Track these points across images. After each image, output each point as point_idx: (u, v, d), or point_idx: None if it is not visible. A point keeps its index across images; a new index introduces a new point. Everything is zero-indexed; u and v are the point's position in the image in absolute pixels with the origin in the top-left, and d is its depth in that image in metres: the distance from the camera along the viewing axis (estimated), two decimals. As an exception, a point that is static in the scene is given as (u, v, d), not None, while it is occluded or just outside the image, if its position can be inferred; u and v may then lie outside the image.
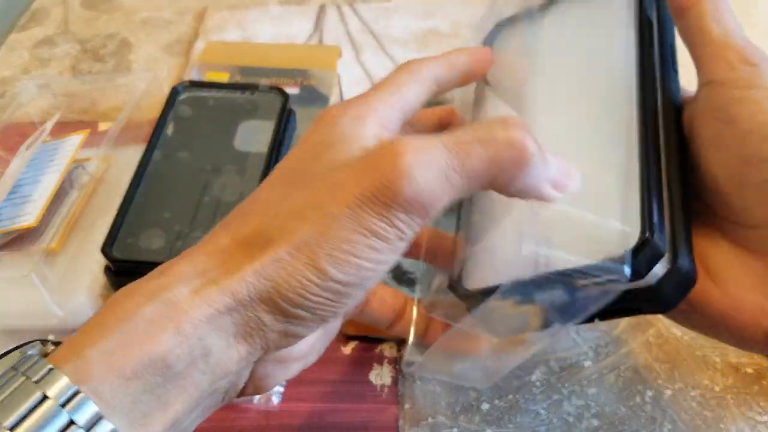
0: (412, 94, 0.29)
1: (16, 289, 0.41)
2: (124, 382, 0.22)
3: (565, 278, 0.25)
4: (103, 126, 0.54)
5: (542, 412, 0.38)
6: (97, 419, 0.21)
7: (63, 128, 0.50)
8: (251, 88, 0.48)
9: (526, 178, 0.24)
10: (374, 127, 0.26)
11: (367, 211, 0.23)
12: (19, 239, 0.43)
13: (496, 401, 0.39)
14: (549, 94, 0.32)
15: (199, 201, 0.42)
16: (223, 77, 0.53)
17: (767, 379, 0.39)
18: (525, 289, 0.26)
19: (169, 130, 0.46)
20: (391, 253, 0.24)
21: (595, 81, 0.31)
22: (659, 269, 0.25)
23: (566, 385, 0.39)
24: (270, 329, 0.24)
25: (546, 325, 0.27)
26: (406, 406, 0.39)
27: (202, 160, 0.44)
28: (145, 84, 0.53)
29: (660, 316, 0.41)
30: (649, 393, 0.39)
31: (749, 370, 0.40)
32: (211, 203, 0.42)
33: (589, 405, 0.38)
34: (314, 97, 0.52)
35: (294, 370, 0.29)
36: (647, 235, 0.25)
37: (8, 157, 0.50)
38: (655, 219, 0.25)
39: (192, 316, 0.23)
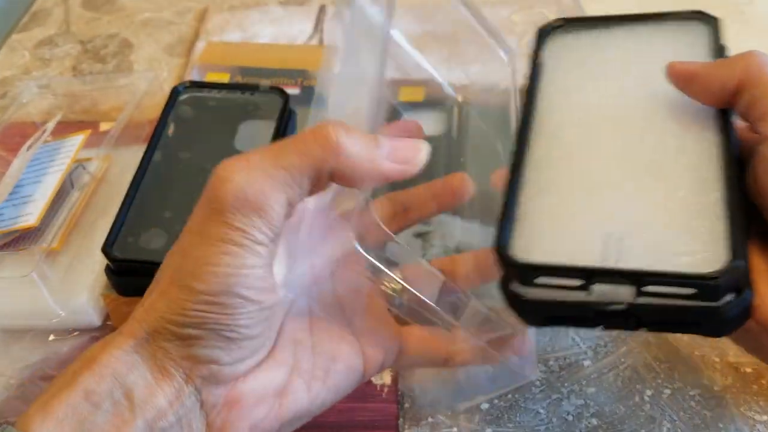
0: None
1: (17, 288, 0.41)
2: (59, 424, 0.24)
3: (635, 278, 0.25)
4: (104, 126, 0.54)
5: (542, 411, 0.38)
6: None
7: (64, 128, 0.50)
8: (252, 88, 0.48)
9: (347, 160, 0.26)
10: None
11: (208, 226, 0.25)
12: (20, 239, 0.43)
13: (496, 400, 0.39)
14: (632, 115, 0.32)
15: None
16: (224, 77, 0.53)
17: (766, 379, 0.39)
18: (587, 276, 0.25)
19: (170, 130, 0.46)
20: (250, 255, 0.25)
21: (672, 108, 0.31)
22: (730, 295, 0.25)
23: (566, 384, 0.39)
24: (177, 356, 0.25)
25: (587, 322, 0.27)
26: (406, 405, 0.39)
27: (203, 160, 0.44)
28: (145, 84, 0.53)
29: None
30: (648, 392, 0.39)
31: (748, 370, 0.40)
32: (211, 203, 0.42)
33: (589, 404, 0.38)
34: (314, 97, 0.52)
35: (260, 417, 0.27)
36: (735, 260, 0.25)
37: (9, 157, 0.50)
38: (741, 247, 0.25)
39: (104, 360, 0.25)
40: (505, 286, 0.27)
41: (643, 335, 0.42)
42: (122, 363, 0.25)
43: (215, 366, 0.26)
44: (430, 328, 0.31)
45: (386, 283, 0.28)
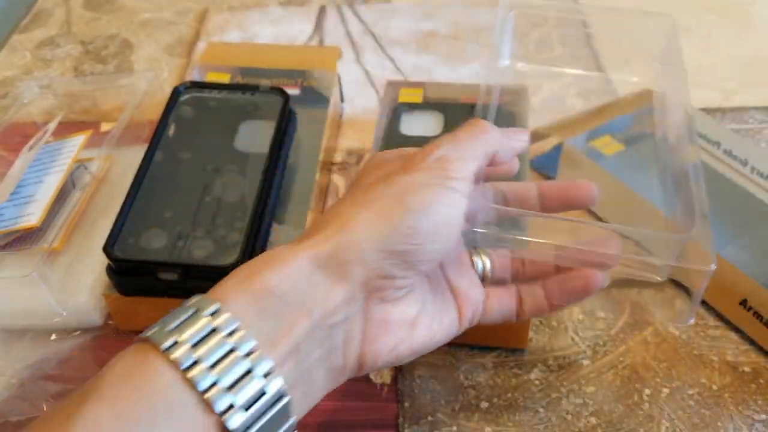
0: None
1: (18, 288, 0.41)
2: (251, 302, 0.27)
3: None
4: (105, 126, 0.54)
5: (541, 410, 0.38)
6: (234, 327, 0.26)
7: (65, 129, 0.50)
8: (252, 88, 0.49)
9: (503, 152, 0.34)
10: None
11: (428, 173, 0.30)
12: (22, 239, 0.43)
13: (495, 399, 0.39)
14: None
15: (200, 201, 0.42)
16: (224, 78, 0.54)
17: (764, 378, 0.39)
18: None
19: (171, 130, 0.46)
20: (463, 200, 0.30)
21: None
22: None
23: (565, 383, 0.39)
24: (362, 265, 0.28)
25: None
26: (406, 404, 0.39)
27: (203, 160, 0.44)
28: (146, 85, 0.53)
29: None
30: (647, 391, 0.39)
31: (746, 369, 0.40)
32: (212, 203, 0.42)
33: (588, 403, 0.38)
34: (314, 97, 0.53)
35: (399, 339, 0.31)
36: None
37: (10, 157, 0.50)
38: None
39: (292, 256, 0.28)
40: None
41: (640, 335, 0.42)
42: (314, 266, 0.28)
43: (389, 283, 0.29)
44: (505, 288, 0.35)
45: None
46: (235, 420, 0.25)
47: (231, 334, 0.26)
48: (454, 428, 0.38)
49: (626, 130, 0.50)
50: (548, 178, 0.52)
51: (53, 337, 0.43)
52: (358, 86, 0.60)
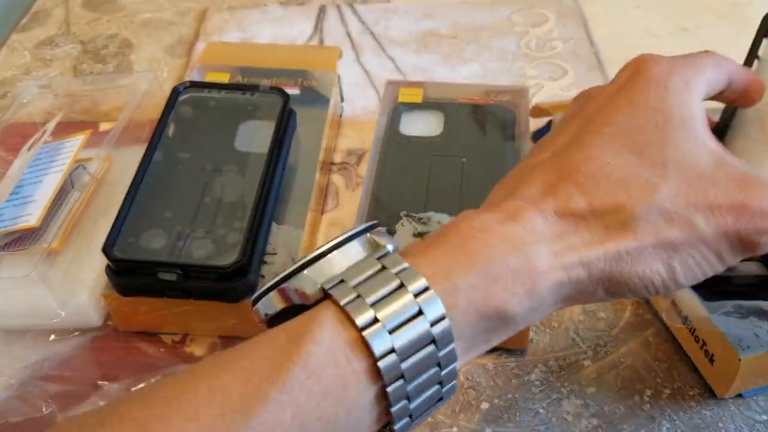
0: (712, 76, 0.30)
1: (18, 288, 0.41)
2: (477, 318, 0.25)
3: None
4: (104, 126, 0.54)
5: (541, 411, 0.38)
6: (443, 323, 0.24)
7: (65, 129, 0.50)
8: (252, 88, 0.48)
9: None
10: (698, 104, 0.28)
11: (728, 242, 0.27)
12: (21, 239, 0.43)
13: (496, 400, 0.39)
14: None
15: (199, 201, 0.42)
16: (224, 78, 0.54)
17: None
18: None
19: (170, 130, 0.46)
20: (717, 272, 0.28)
21: None
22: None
23: (565, 384, 0.39)
24: (595, 298, 0.27)
25: None
26: (406, 405, 0.39)
27: (203, 160, 0.44)
28: (146, 84, 0.53)
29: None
30: (648, 392, 0.39)
31: (748, 370, 0.40)
32: (211, 203, 0.42)
33: (588, 404, 0.38)
34: (314, 97, 0.53)
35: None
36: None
37: (9, 157, 0.50)
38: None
39: (548, 279, 0.26)
40: None
41: (641, 335, 0.42)
42: (559, 290, 0.26)
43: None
44: None
45: None
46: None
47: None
48: (455, 429, 0.38)
49: None
50: None
51: (52, 337, 0.42)
52: (358, 86, 0.60)
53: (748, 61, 0.34)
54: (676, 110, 0.28)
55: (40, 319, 0.42)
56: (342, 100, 0.57)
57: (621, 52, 0.64)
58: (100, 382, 0.40)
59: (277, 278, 0.25)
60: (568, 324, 0.42)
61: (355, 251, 0.25)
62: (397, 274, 0.24)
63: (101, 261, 0.40)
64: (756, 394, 0.38)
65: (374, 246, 0.26)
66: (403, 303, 0.24)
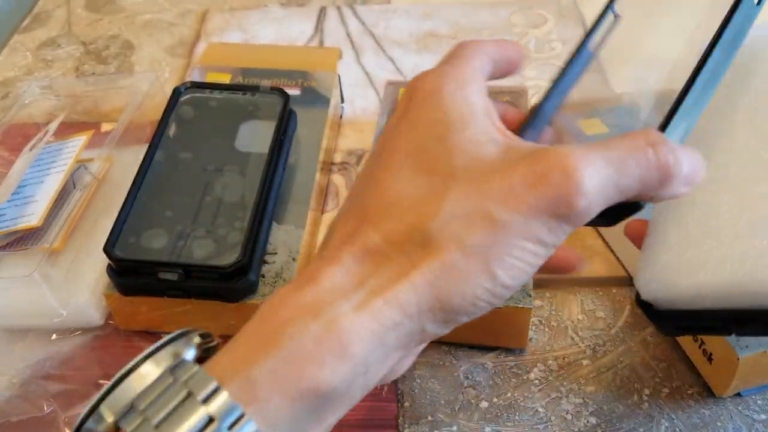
0: (479, 64, 0.29)
1: (19, 288, 0.41)
2: (289, 403, 0.22)
3: None
4: (105, 127, 0.54)
5: (541, 410, 0.38)
6: None
7: (66, 129, 0.50)
8: (252, 89, 0.49)
9: (666, 191, 0.25)
10: (478, 96, 0.27)
11: (538, 221, 0.24)
12: (23, 239, 0.43)
13: (495, 399, 0.39)
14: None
15: (200, 201, 0.42)
16: (225, 78, 0.54)
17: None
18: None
19: (171, 130, 0.46)
20: (546, 258, 0.25)
21: None
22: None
23: (564, 383, 0.40)
24: (428, 335, 0.24)
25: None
26: (406, 404, 0.39)
27: (204, 160, 0.44)
28: (147, 85, 0.54)
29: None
30: (647, 391, 0.39)
31: (746, 369, 0.40)
32: (212, 203, 0.42)
33: (587, 403, 0.39)
34: (315, 98, 0.53)
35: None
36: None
37: (11, 157, 0.50)
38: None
39: (358, 336, 0.23)
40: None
41: (640, 334, 0.42)
42: (377, 344, 0.23)
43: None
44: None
45: None
46: None
47: None
48: (454, 428, 0.38)
49: (617, 118, 0.51)
50: None
51: (54, 336, 0.43)
52: (358, 87, 0.60)
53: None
54: (456, 113, 0.26)
55: (41, 318, 0.42)
56: (342, 100, 0.57)
57: (621, 52, 0.64)
58: (101, 381, 0.40)
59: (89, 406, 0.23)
60: (567, 323, 0.43)
61: (150, 369, 0.23)
62: (186, 382, 0.22)
63: (102, 261, 0.40)
64: (754, 393, 0.38)
65: (175, 356, 0.24)
66: (191, 415, 0.21)
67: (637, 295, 0.32)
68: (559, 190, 0.23)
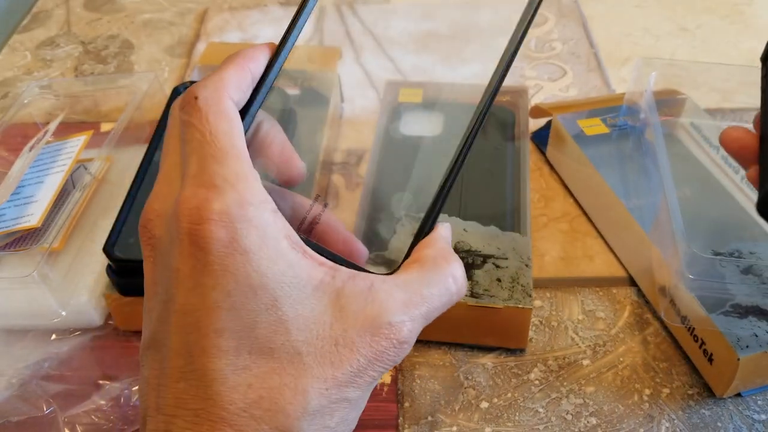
0: (251, 171, 0.24)
1: (19, 288, 0.41)
2: None
3: None
4: (105, 127, 0.54)
5: (541, 410, 0.38)
6: None
7: (66, 129, 0.50)
8: (252, 89, 0.48)
9: None
10: (280, 229, 0.23)
11: (375, 381, 0.24)
12: (22, 239, 0.43)
13: (495, 400, 0.39)
14: None
15: (200, 201, 0.42)
16: (224, 78, 0.54)
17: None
18: None
19: (171, 130, 0.46)
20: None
21: None
22: None
23: (565, 383, 0.39)
24: None
25: None
26: (406, 404, 0.39)
27: (204, 160, 0.44)
28: (146, 85, 0.54)
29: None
30: (647, 391, 0.39)
31: (746, 369, 0.40)
32: (212, 203, 0.42)
33: (588, 403, 0.38)
34: (314, 97, 0.53)
35: None
36: None
37: (10, 157, 0.50)
38: None
39: None
40: None
41: (640, 334, 0.42)
42: None
43: None
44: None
45: None
46: None
47: None
48: (454, 428, 0.38)
49: (617, 118, 0.51)
50: (541, 151, 0.53)
51: (53, 337, 0.43)
52: (358, 86, 0.60)
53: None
54: (274, 272, 0.22)
55: (41, 318, 0.42)
56: (342, 100, 0.57)
57: (621, 52, 0.64)
58: (100, 382, 0.40)
59: None
60: (567, 323, 0.42)
61: None
62: None
63: (102, 261, 0.40)
64: (755, 393, 0.38)
65: None
66: None
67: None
68: (394, 356, 0.24)
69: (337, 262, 0.24)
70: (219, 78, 0.26)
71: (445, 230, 0.28)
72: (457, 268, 0.26)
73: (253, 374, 0.22)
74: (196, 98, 0.24)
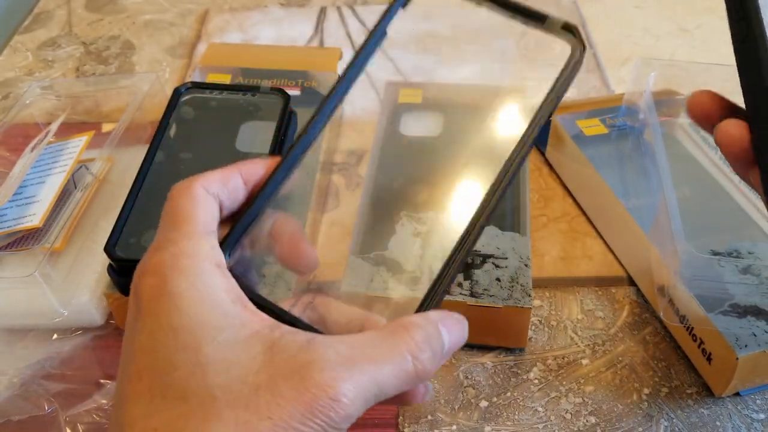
0: (203, 218, 0.26)
1: (20, 288, 0.41)
2: None
3: None
4: (106, 127, 0.54)
5: (540, 409, 0.38)
6: None
7: (67, 129, 0.50)
8: (253, 89, 0.49)
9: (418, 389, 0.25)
10: (217, 278, 0.23)
11: (296, 426, 0.21)
12: (24, 239, 0.43)
13: (495, 399, 0.39)
14: None
15: (201, 201, 0.42)
16: (225, 79, 0.54)
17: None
18: None
19: (172, 131, 0.46)
20: None
21: None
22: None
23: (564, 382, 0.40)
24: None
25: None
26: (406, 403, 0.39)
27: (204, 160, 0.45)
28: (147, 85, 0.54)
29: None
30: (646, 390, 0.39)
31: (745, 368, 0.40)
32: (213, 203, 0.42)
33: (587, 402, 0.39)
34: (315, 98, 0.53)
35: None
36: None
37: (12, 157, 0.50)
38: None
39: None
40: None
41: (639, 334, 0.42)
42: None
43: None
44: None
45: None
46: None
47: None
48: (454, 427, 0.38)
49: (616, 118, 0.51)
50: (540, 152, 0.53)
51: (55, 336, 0.43)
52: (358, 87, 0.61)
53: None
54: (201, 314, 0.22)
55: (42, 318, 0.42)
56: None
57: (620, 52, 0.64)
58: (102, 381, 0.40)
59: None
60: (566, 323, 0.43)
61: None
62: None
63: (103, 261, 0.40)
64: (753, 392, 0.39)
65: None
66: None
67: None
68: (332, 415, 0.21)
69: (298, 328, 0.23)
70: (200, 174, 0.27)
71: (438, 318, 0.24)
72: (421, 345, 0.23)
73: (161, 420, 0.21)
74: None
